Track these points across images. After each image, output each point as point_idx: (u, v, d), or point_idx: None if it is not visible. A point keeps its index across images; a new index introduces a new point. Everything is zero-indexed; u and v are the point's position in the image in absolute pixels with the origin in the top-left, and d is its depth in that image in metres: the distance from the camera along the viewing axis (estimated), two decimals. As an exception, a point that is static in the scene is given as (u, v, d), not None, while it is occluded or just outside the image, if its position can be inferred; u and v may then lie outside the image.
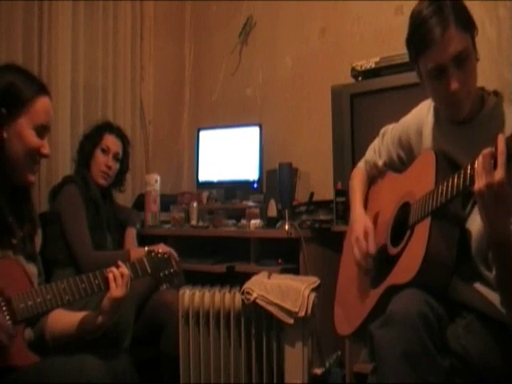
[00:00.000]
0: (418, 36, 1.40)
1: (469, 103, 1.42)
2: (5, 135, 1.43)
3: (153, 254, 1.65)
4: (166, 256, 1.67)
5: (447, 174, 1.36)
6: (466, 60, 1.38)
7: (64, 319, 1.57)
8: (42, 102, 1.49)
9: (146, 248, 1.69)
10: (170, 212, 3.02)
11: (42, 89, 1.52)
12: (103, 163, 2.60)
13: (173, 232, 2.90)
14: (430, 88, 1.47)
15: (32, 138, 1.47)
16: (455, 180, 1.30)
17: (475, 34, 1.43)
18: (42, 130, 1.49)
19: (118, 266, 1.56)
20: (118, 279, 1.54)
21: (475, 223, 1.38)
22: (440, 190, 1.36)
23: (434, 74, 1.41)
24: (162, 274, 1.66)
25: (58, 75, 2.95)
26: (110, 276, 1.54)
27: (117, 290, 1.53)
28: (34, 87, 1.49)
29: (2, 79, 1.47)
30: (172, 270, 1.67)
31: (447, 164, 1.47)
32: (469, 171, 1.26)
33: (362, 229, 1.64)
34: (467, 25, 1.40)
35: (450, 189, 1.32)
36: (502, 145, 1.17)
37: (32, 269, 1.52)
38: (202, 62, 3.70)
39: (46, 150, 1.51)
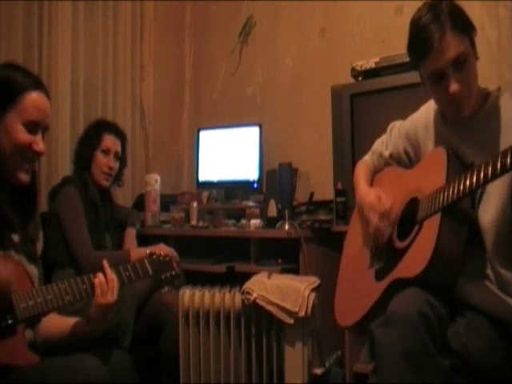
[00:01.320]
0: (418, 43, 1.45)
1: (471, 102, 1.46)
2: None
3: (154, 256, 1.64)
4: (167, 258, 1.66)
5: (458, 171, 1.37)
6: (464, 62, 1.42)
7: (56, 324, 1.55)
8: (32, 98, 1.43)
9: (148, 250, 1.68)
10: (170, 212, 3.02)
11: (36, 84, 1.46)
12: (105, 165, 2.58)
13: (173, 232, 2.90)
14: (432, 91, 1.51)
15: (20, 133, 1.41)
16: (468, 179, 1.31)
17: (474, 34, 1.46)
18: (33, 127, 1.43)
19: (104, 272, 1.52)
20: (104, 286, 1.49)
21: (487, 215, 1.39)
22: (452, 187, 1.36)
23: (434, 78, 1.46)
24: (163, 277, 1.65)
25: (58, 75, 2.95)
26: (96, 282, 1.49)
27: (101, 297, 1.48)
28: (28, 82, 1.44)
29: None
30: (173, 273, 1.66)
31: (458, 161, 1.48)
32: (482, 171, 1.26)
33: (373, 195, 1.65)
34: (464, 28, 1.43)
35: (462, 187, 1.33)
36: None
37: (33, 270, 1.51)
38: (201, 61, 3.70)
39: (38, 147, 1.44)
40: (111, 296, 1.49)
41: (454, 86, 1.41)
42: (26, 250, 1.49)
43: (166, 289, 1.68)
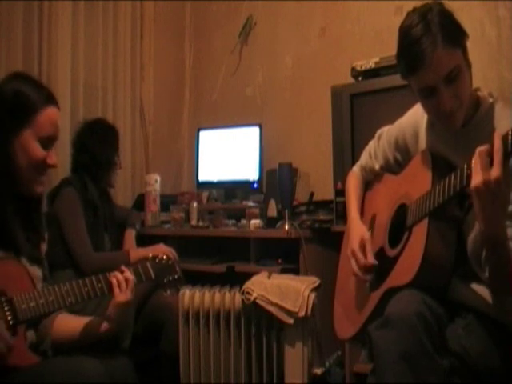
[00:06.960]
0: (408, 57, 1.39)
1: (462, 113, 1.42)
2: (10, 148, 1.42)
3: (157, 259, 1.65)
4: (170, 262, 1.66)
5: (444, 174, 1.35)
6: (457, 76, 1.37)
7: (70, 324, 1.57)
8: (48, 114, 1.45)
9: (151, 254, 1.69)
10: (170, 212, 3.02)
11: (49, 99, 1.48)
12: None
13: (173, 232, 2.90)
14: (422, 104, 1.48)
15: (36, 150, 1.44)
16: (452, 180, 1.30)
17: (466, 41, 1.41)
18: (47, 142, 1.47)
19: (121, 271, 1.56)
20: (122, 284, 1.54)
21: (470, 224, 1.38)
22: (437, 191, 1.36)
23: (424, 93, 1.42)
24: (165, 280, 1.65)
25: (58, 75, 2.95)
26: (114, 281, 1.53)
27: (121, 295, 1.53)
28: (41, 97, 1.45)
29: (10, 88, 1.45)
30: (176, 276, 1.67)
31: (443, 164, 1.47)
32: (465, 171, 1.26)
33: (358, 240, 1.63)
34: (456, 39, 1.38)
35: (446, 189, 1.32)
36: (498, 142, 1.17)
37: (36, 271, 1.51)
38: (202, 61, 3.70)
39: (52, 160, 1.48)
40: (130, 294, 1.55)
41: (445, 103, 1.37)
42: (29, 251, 1.49)
43: (169, 292, 1.68)
